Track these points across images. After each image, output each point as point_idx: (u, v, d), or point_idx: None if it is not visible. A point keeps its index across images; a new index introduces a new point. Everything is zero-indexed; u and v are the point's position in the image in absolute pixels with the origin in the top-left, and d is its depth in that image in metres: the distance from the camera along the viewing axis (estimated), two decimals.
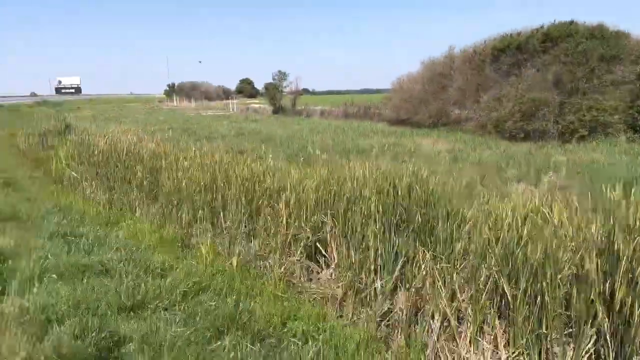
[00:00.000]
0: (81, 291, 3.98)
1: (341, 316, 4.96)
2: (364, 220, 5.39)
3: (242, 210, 7.10)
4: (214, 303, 4.27)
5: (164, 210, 8.33)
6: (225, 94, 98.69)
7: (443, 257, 4.48)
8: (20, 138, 19.17)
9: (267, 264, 6.21)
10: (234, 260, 5.78)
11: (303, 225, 6.08)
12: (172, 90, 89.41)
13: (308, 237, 5.96)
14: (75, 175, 11.88)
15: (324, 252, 5.87)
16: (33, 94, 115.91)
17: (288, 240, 6.32)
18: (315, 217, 6.10)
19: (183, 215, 7.99)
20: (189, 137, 20.22)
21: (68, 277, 4.44)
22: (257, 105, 54.52)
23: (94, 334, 3.20)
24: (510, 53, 21.49)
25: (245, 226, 7.00)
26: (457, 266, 4.45)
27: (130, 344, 3.28)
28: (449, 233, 4.68)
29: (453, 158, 13.64)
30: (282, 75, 44.04)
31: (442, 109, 24.12)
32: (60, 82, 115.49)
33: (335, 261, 5.63)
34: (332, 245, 5.79)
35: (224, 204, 7.71)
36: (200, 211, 7.83)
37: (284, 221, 6.43)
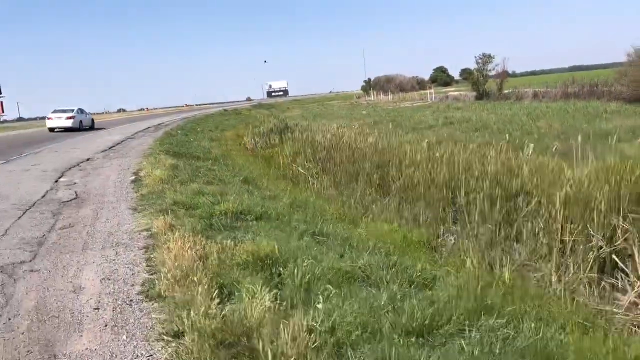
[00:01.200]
0: (359, 306, 3.58)
1: None
2: None
3: (497, 210, 6.15)
4: (510, 331, 3.48)
5: (399, 207, 7.83)
6: (420, 84, 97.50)
7: None
8: (246, 138, 21.06)
9: (539, 277, 5.16)
10: (506, 273, 4.87)
11: (591, 231, 4.88)
12: (369, 85, 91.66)
13: (600, 247, 4.74)
14: (302, 171, 12.29)
15: (623, 267, 4.59)
16: (248, 99, 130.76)
17: (566, 248, 5.18)
18: (608, 221, 4.84)
19: (419, 212, 7.37)
20: (395, 129, 19.80)
21: (336, 285, 4.12)
22: (456, 93, 52.24)
23: None
24: None
25: (502, 228, 6.03)
26: None
27: None
28: None
29: None
30: (487, 58, 41.14)
31: None
32: (270, 86, 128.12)
33: None
34: (637, 259, 4.48)
35: (468, 201, 6.86)
36: (440, 210, 7.10)
37: (559, 225, 5.29)
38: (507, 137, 8.76)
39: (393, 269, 4.75)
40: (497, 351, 3.21)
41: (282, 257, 4.55)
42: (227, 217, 6.30)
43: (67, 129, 26.49)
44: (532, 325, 3.60)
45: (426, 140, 9.33)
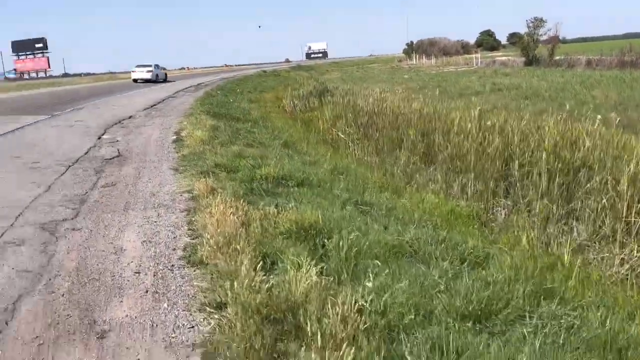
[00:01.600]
0: (409, 285, 3.36)
1: None
2: None
3: (556, 185, 5.75)
4: (574, 320, 3.20)
5: (446, 177, 7.48)
6: (464, 48, 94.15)
7: None
8: (285, 100, 20.77)
9: (600, 259, 4.80)
10: (565, 254, 4.52)
11: None
12: (411, 49, 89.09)
13: None
14: (342, 136, 11.99)
15: None
16: (287, 60, 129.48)
17: (631, 230, 4.77)
18: None
19: (468, 184, 7.02)
20: (440, 95, 19.09)
21: (383, 261, 3.91)
22: (504, 58, 50.07)
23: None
24: None
25: (560, 205, 5.64)
26: None
27: None
28: None
29: None
30: (539, 22, 38.98)
31: None
32: (310, 47, 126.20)
33: None
34: None
35: (522, 174, 6.46)
36: (492, 182, 6.73)
37: (625, 203, 4.88)
38: (568, 107, 8.17)
39: (442, 245, 4.49)
40: (561, 342, 2.94)
41: (326, 227, 4.34)
42: (268, 182, 6.13)
43: (146, 80, 33.70)
44: (598, 314, 3.29)
45: (478, 107, 8.80)
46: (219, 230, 3.92)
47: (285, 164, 7.25)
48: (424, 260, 4.15)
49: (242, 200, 4.76)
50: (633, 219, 4.77)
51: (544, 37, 39.47)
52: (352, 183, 7.15)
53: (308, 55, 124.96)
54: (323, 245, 4.03)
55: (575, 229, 5.15)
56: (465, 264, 4.15)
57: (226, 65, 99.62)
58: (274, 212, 4.46)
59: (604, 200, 5.03)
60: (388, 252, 4.13)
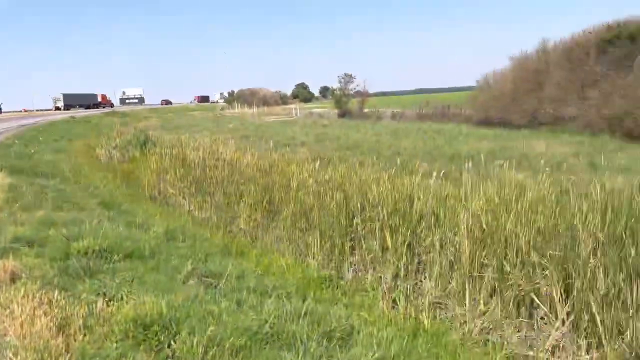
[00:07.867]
0: None
1: None
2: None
3: (401, 241, 5.79)
4: None
5: (292, 236, 7.17)
6: (282, 99, 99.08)
7: None
8: (100, 150, 18.87)
9: (451, 317, 4.86)
10: (425, 320, 4.43)
11: (508, 268, 4.69)
12: (232, 98, 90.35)
13: (519, 285, 4.55)
14: (172, 191, 11.03)
15: (544, 308, 4.44)
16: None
17: (477, 285, 4.94)
18: (528, 257, 4.69)
19: (314, 243, 6.79)
20: (268, 145, 19.25)
21: (245, 356, 3.28)
22: (320, 110, 53.57)
23: None
24: (620, 44, 19.23)
25: (408, 262, 5.68)
26: None
27: None
28: None
29: (589, 164, 11.84)
30: (348, 78, 42.90)
31: (538, 108, 22.07)
32: (124, 92, 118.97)
33: (567, 321, 4.19)
34: (556, 298, 4.35)
35: (369, 230, 6.46)
36: (337, 239, 6.60)
37: (469, 259, 5.06)
38: (399, 161, 8.66)
39: (305, 321, 4.05)
40: None
41: (173, 318, 3.57)
42: (89, 257, 5.06)
43: None
44: None
45: (317, 160, 8.80)
46: (26, 342, 2.89)
47: (108, 230, 6.16)
48: (288, 345, 3.65)
49: (56, 290, 3.71)
50: (478, 274, 4.94)
51: (353, 92, 43.55)
52: (191, 249, 6.37)
53: (123, 101, 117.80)
54: (169, 345, 3.26)
55: (425, 287, 5.18)
56: (333, 343, 3.77)
57: (25, 110, 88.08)
58: (101, 305, 3.53)
59: (449, 256, 5.16)
60: (248, 339, 3.53)
